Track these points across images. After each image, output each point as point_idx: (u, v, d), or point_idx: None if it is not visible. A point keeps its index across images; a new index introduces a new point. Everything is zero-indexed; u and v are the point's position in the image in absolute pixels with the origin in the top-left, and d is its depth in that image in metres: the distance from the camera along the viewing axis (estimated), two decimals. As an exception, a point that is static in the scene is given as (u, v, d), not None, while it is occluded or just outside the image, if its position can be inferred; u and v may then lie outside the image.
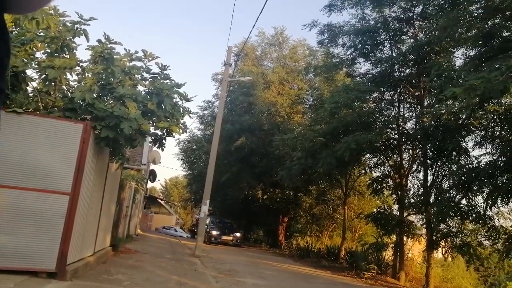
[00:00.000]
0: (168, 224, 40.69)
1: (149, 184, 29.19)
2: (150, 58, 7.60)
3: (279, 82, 24.68)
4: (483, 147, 12.01)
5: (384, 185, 15.49)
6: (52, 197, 5.19)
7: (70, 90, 6.88)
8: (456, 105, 10.24)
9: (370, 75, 15.51)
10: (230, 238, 20.62)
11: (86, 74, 7.06)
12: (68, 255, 5.24)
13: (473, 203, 11.48)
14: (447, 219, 11.92)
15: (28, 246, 4.95)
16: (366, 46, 15.21)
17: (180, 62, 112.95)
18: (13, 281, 4.48)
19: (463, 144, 12.59)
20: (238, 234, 21.42)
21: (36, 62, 6.22)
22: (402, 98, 15.28)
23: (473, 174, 10.81)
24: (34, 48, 6.32)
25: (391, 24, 14.68)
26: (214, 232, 20.40)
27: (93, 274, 6.26)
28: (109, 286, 5.55)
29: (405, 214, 13.94)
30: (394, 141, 14.96)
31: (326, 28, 15.83)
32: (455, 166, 12.73)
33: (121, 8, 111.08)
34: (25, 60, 5.96)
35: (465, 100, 7.82)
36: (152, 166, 22.14)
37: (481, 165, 11.11)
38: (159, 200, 47.02)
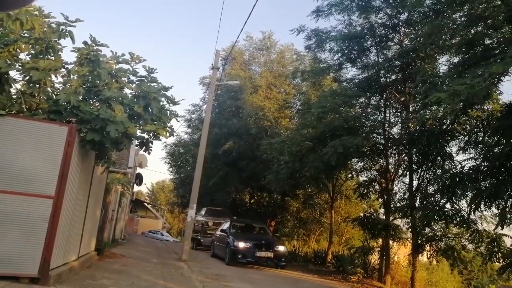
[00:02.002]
0: (154, 228, 40.35)
1: (136, 188, 28.88)
2: (137, 61, 7.56)
3: (267, 86, 24.75)
4: (466, 152, 12.21)
5: (371, 189, 15.61)
6: (36, 200, 5.09)
7: (55, 92, 6.79)
8: (441, 111, 10.42)
9: (356, 80, 15.66)
10: (270, 255, 13.03)
11: (72, 76, 6.98)
12: (51, 260, 5.15)
13: (457, 207, 11.64)
14: (432, 223, 12.05)
15: (10, 251, 4.85)
16: (353, 52, 15.36)
17: (167, 65, 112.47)
18: (-7, 287, 4.38)
19: (447, 149, 12.77)
20: (282, 249, 13.63)
21: (20, 64, 6.12)
22: (388, 103, 15.45)
23: (457, 179, 10.97)
24: (18, 49, 6.22)
25: (377, 30, 14.86)
26: (242, 245, 12.82)
27: (77, 279, 6.15)
28: (93, 291, 5.46)
29: (391, 218, 14.07)
30: (380, 146, 15.11)
31: (314, 33, 15.93)
32: (440, 170, 12.91)
33: (108, 13, 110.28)
34: (9, 62, 5.86)
35: (449, 105, 7.96)
36: (138, 170, 21.97)
37: (464, 170, 11.30)
38: (146, 204, 46.58)
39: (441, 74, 12.08)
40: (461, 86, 7.56)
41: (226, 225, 14.85)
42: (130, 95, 7.20)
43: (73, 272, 6.38)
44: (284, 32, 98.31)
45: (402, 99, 14.50)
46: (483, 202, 10.17)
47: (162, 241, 30.18)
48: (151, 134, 7.27)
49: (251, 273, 11.47)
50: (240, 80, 21.92)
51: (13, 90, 6.14)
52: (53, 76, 6.62)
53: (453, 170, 12.20)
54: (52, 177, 5.26)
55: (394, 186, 14.94)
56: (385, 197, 14.44)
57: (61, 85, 7.02)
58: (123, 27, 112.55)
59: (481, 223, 11.61)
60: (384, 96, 15.29)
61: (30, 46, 6.26)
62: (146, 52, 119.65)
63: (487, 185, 10.06)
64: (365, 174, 16.57)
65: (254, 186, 24.11)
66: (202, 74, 59.56)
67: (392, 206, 14.24)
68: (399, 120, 15.28)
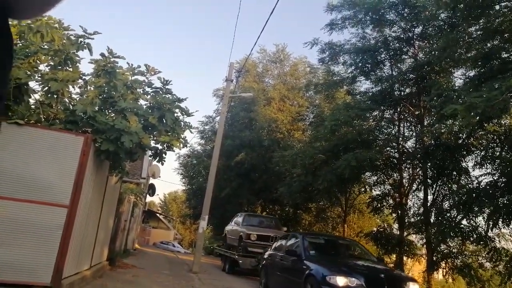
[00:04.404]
0: (166, 239, 40.38)
1: (148, 198, 29.03)
2: (153, 73, 7.66)
3: (280, 98, 24.84)
4: (483, 167, 11.99)
5: (384, 203, 15.41)
6: (50, 209, 5.15)
7: (72, 103, 6.92)
8: (456, 124, 10.27)
9: (370, 94, 15.61)
10: None
11: (89, 87, 7.11)
12: (64, 269, 5.17)
13: (474, 223, 11.40)
14: (448, 240, 11.81)
15: (23, 259, 4.89)
16: (367, 65, 15.35)
17: (181, 77, 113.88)
18: (7, 295, 4.42)
19: (463, 164, 12.58)
20: None
21: (39, 75, 6.27)
22: (402, 117, 15.34)
23: (474, 195, 10.76)
24: (37, 61, 6.38)
25: (391, 44, 14.85)
26: (344, 283, 6.43)
27: (88, 289, 6.17)
28: (104, 302, 5.46)
29: (405, 233, 13.82)
30: (394, 160, 14.95)
31: (327, 46, 16.00)
32: (456, 186, 12.68)
33: (125, 25, 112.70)
34: (28, 72, 6.01)
35: (465, 118, 7.85)
36: (151, 180, 22.10)
37: (481, 186, 11.08)
38: (158, 215, 46.71)
39: (456, 87, 11.96)
40: (477, 99, 7.47)
41: (294, 243, 8.81)
42: (145, 106, 7.29)
43: (85, 282, 6.40)
44: (297, 45, 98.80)
45: (417, 112, 14.38)
46: (501, 219, 9.93)
47: (174, 252, 30.14)
48: (164, 145, 7.31)
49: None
50: (253, 92, 22.05)
51: (31, 100, 6.29)
52: (70, 87, 6.76)
53: (470, 185, 11.98)
54: (67, 186, 5.32)
55: (408, 200, 14.74)
56: (399, 212, 14.22)
57: (78, 95, 7.17)
58: (137, 38, 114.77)
59: (499, 240, 11.32)
60: (398, 109, 15.19)
61: (50, 57, 6.42)
62: (161, 64, 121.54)
63: (505, 201, 9.84)
64: (379, 188, 16.38)
65: (266, 198, 24.02)
66: (216, 86, 60.11)
67: (406, 221, 14.00)
68: (414, 133, 15.13)
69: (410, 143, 15.30)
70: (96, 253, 7.67)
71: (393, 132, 15.33)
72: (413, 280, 7.54)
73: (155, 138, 7.20)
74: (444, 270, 12.66)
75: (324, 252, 8.66)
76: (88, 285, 6.45)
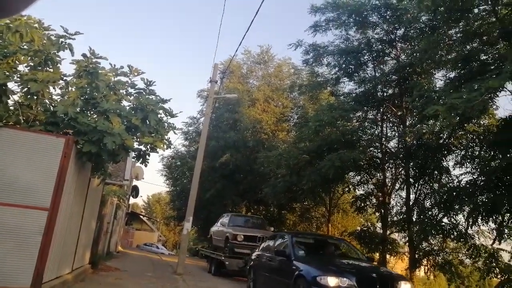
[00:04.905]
0: (150, 241, 39.98)
1: (132, 200, 28.70)
2: (136, 74, 7.56)
3: (264, 99, 24.89)
4: (463, 166, 12.27)
5: (368, 203, 15.60)
6: (31, 212, 5.04)
7: (53, 104, 6.79)
8: (437, 125, 10.48)
9: (354, 94, 15.78)
10: None
11: (70, 88, 6.99)
12: (44, 273, 5.07)
13: (455, 221, 11.64)
14: (429, 237, 12.03)
15: (2, 263, 4.77)
16: (350, 66, 15.52)
17: (164, 78, 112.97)
18: (-15, 301, 4.30)
19: (444, 163, 12.84)
20: None
21: (18, 75, 6.12)
22: (385, 117, 15.56)
23: (454, 193, 10.98)
24: (17, 61, 6.22)
25: (374, 45, 15.05)
26: (335, 283, 6.23)
27: (70, 293, 6.05)
28: (86, 306, 5.37)
29: (388, 232, 14.02)
30: (377, 160, 15.15)
31: (311, 48, 16.10)
32: (437, 185, 12.93)
33: (104, 25, 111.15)
34: (7, 73, 5.86)
35: (446, 119, 8.02)
36: (135, 182, 21.86)
37: (461, 184, 11.33)
38: (141, 217, 46.21)
39: (437, 89, 12.20)
40: (458, 100, 7.64)
41: (282, 243, 8.76)
42: (128, 107, 7.20)
43: (66, 286, 6.28)
44: (281, 46, 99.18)
45: (399, 113, 14.61)
46: (480, 217, 10.18)
47: (158, 254, 29.86)
48: (148, 147, 7.23)
49: None
50: (238, 93, 22.03)
51: (10, 102, 6.13)
52: (51, 88, 6.63)
53: (450, 184, 12.24)
54: (48, 189, 5.22)
55: (391, 200, 14.95)
56: (382, 211, 14.42)
57: (59, 97, 7.03)
58: (119, 38, 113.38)
59: (478, 237, 11.60)
60: (381, 110, 15.40)
61: (29, 58, 6.27)
62: (143, 64, 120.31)
63: (484, 199, 10.08)
64: (362, 188, 16.57)
65: (251, 199, 24.03)
66: (200, 87, 59.83)
67: (389, 220, 14.21)
68: (396, 134, 15.37)
69: (392, 143, 15.55)
70: (78, 256, 7.54)
71: (376, 132, 15.54)
72: (404, 279, 7.39)
73: (138, 139, 7.11)
74: (426, 267, 12.89)
75: (313, 252, 8.48)
76: (69, 289, 6.34)
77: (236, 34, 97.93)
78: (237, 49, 33.69)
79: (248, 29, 26.39)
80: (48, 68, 6.51)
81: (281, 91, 24.83)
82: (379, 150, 15.09)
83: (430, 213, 12.57)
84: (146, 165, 7.64)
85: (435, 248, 12.70)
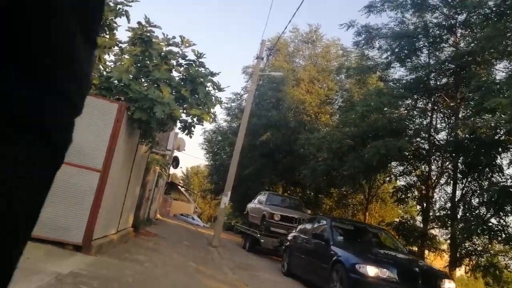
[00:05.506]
0: (186, 212, 41.23)
1: (172, 170, 29.57)
2: (187, 45, 7.59)
3: (309, 80, 24.45)
4: (519, 166, 11.51)
5: (409, 195, 15.12)
6: (85, 172, 5.27)
7: (107, 70, 6.99)
8: (495, 119, 9.83)
9: (404, 81, 15.11)
10: None
11: (124, 55, 7.15)
12: (94, 231, 5.33)
13: (504, 223, 11.04)
14: (474, 237, 11.50)
15: (59, 218, 5.05)
16: (403, 51, 14.78)
17: (211, 52, 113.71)
18: (42, 250, 4.59)
19: (498, 161, 12.10)
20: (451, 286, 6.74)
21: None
22: (436, 107, 14.82)
23: (506, 193, 10.36)
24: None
25: (431, 30, 14.22)
26: (375, 272, 6.13)
27: (115, 252, 6.36)
28: (131, 265, 5.61)
29: (429, 227, 13.55)
30: (424, 151, 14.54)
31: (364, 29, 15.46)
32: (487, 183, 12.26)
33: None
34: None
35: (507, 113, 7.48)
36: (176, 153, 22.43)
37: (515, 184, 10.67)
38: (180, 187, 47.62)
39: (497, 80, 11.40)
40: (523, 94, 7.09)
41: (320, 226, 8.78)
42: (177, 78, 7.28)
43: (112, 245, 6.59)
44: (331, 26, 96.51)
45: (452, 104, 13.85)
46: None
47: (193, 225, 30.79)
48: (195, 119, 7.32)
49: (280, 265, 11.34)
50: (283, 72, 21.78)
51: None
52: (106, 53, 6.81)
53: (503, 183, 11.53)
54: (101, 152, 5.42)
55: (435, 194, 14.38)
56: (424, 204, 13.91)
57: (112, 63, 7.22)
58: (169, 11, 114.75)
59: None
60: (432, 99, 14.67)
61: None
62: (192, 37, 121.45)
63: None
64: (404, 179, 16.05)
65: (289, 180, 24.02)
66: (245, 63, 59.76)
67: (431, 214, 13.70)
68: (447, 126, 14.62)
69: (441, 135, 14.83)
70: (123, 219, 7.87)
71: (424, 122, 14.87)
72: (448, 277, 7.00)
73: (186, 110, 7.20)
74: (467, 268, 12.38)
75: (352, 239, 8.27)
76: (114, 248, 6.65)
77: (287, 10, 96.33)
78: (286, 27, 33.21)
79: (299, 7, 25.72)
80: (105, 34, 6.68)
81: (327, 72, 24.26)
82: (427, 141, 14.45)
83: (477, 211, 11.99)
84: (191, 137, 7.75)
85: (478, 248, 12.15)
